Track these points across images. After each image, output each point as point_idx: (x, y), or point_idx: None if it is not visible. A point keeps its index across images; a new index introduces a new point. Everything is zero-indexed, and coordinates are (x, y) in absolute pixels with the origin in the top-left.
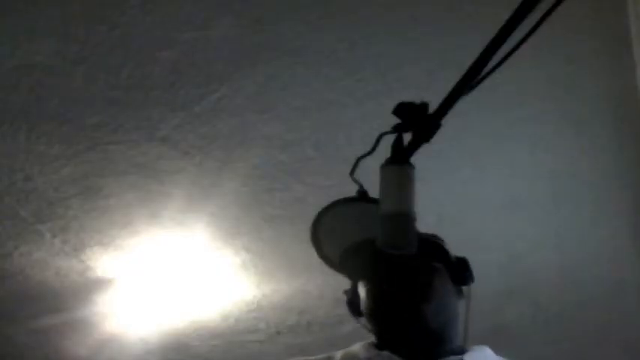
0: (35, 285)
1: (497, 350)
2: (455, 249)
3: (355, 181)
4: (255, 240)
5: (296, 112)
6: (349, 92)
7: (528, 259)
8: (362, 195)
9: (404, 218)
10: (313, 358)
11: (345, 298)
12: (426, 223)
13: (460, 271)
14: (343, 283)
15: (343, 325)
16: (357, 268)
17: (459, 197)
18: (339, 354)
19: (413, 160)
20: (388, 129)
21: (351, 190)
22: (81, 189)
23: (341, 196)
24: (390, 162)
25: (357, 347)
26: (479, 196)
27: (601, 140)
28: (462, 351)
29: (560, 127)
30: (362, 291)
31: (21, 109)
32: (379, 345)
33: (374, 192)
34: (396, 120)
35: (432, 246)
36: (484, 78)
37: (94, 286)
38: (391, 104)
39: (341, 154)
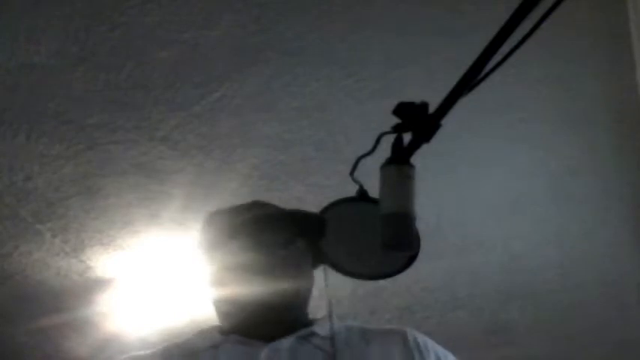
0: (35, 285)
1: (497, 350)
2: (455, 249)
3: (355, 181)
4: None
5: (296, 112)
6: (349, 92)
7: (528, 259)
8: (362, 195)
9: (404, 218)
10: (151, 351)
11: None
12: (426, 223)
13: (313, 226)
14: (344, 282)
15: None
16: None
17: (459, 197)
18: (179, 342)
19: (413, 160)
20: (388, 129)
21: (351, 190)
22: (81, 189)
23: (341, 196)
24: (390, 162)
25: (195, 337)
26: (479, 196)
27: (601, 140)
28: (310, 322)
29: (560, 127)
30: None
31: (21, 109)
32: (224, 329)
33: (374, 192)
34: (396, 120)
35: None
36: (484, 78)
37: (94, 286)
38: (391, 104)
39: (341, 154)
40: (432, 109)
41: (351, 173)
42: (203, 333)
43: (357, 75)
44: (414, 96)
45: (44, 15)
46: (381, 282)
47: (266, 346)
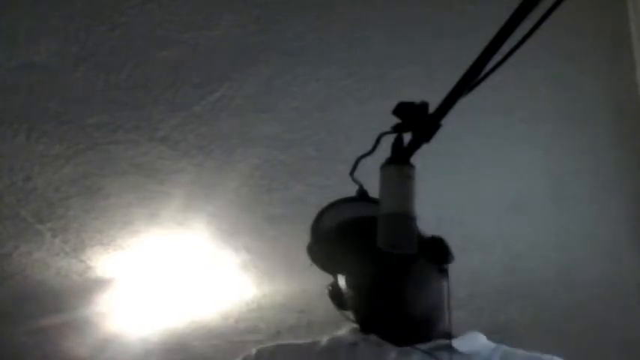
0: (35, 285)
1: None
2: (455, 249)
3: (355, 181)
4: (255, 240)
5: (296, 112)
6: (349, 92)
7: (528, 259)
8: (362, 195)
9: (404, 218)
10: (302, 341)
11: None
12: (426, 223)
13: (438, 250)
14: None
15: (343, 324)
16: (334, 260)
17: (459, 197)
18: (325, 338)
19: (413, 160)
20: (388, 129)
21: (351, 190)
22: (81, 189)
23: (341, 196)
24: (390, 162)
25: (343, 332)
26: (479, 196)
27: (601, 140)
28: (449, 335)
29: (560, 127)
30: (342, 282)
31: (21, 109)
32: (365, 330)
33: (374, 192)
34: (396, 120)
35: None
36: (484, 78)
37: (94, 286)
38: (391, 104)
39: (341, 154)
40: (432, 109)
41: (351, 173)
42: (347, 332)
43: (357, 75)
44: (414, 96)
45: (44, 15)
46: None
47: (397, 349)
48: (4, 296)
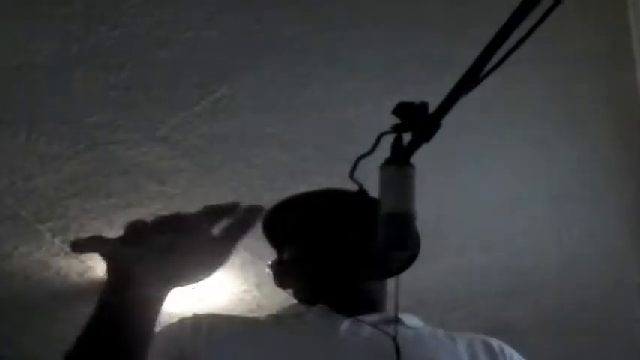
0: (35, 285)
1: None
2: (455, 249)
3: (355, 181)
4: (256, 240)
5: (296, 112)
6: (349, 92)
7: (528, 259)
8: (362, 195)
9: (404, 218)
10: (241, 315)
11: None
12: (426, 223)
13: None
14: None
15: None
16: (287, 232)
17: (459, 197)
18: (263, 316)
19: (413, 160)
20: (388, 129)
21: None
22: (81, 189)
23: None
24: (390, 162)
25: (281, 310)
26: (479, 196)
27: (601, 140)
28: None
29: (560, 127)
30: (289, 255)
31: (21, 109)
32: (309, 301)
33: (374, 192)
34: (396, 120)
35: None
36: (484, 78)
37: (94, 286)
38: (391, 104)
39: (341, 154)
40: (432, 109)
41: (351, 173)
42: (291, 305)
43: (357, 75)
44: (414, 96)
45: (44, 15)
46: None
47: (348, 319)
48: (4, 296)
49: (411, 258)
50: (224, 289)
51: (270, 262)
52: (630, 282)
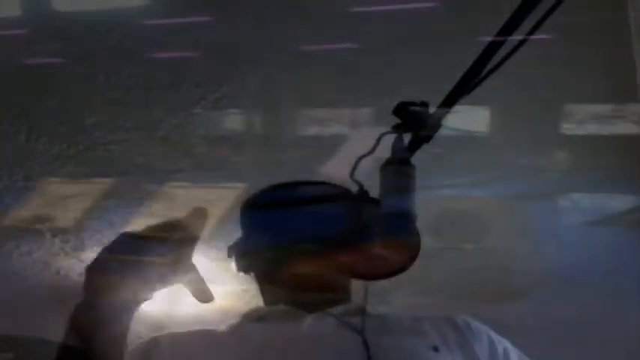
0: (35, 285)
1: None
2: (455, 249)
3: (355, 181)
4: None
5: (296, 112)
6: (349, 92)
7: (528, 259)
8: (362, 195)
9: (404, 218)
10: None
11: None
12: (426, 222)
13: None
14: None
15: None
16: (256, 216)
17: (459, 197)
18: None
19: (413, 160)
20: (388, 129)
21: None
22: (81, 189)
23: None
24: (390, 162)
25: (244, 314)
26: (478, 196)
27: (601, 140)
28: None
29: (560, 127)
30: (252, 242)
31: (21, 109)
32: (271, 302)
33: (374, 192)
34: (396, 120)
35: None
36: (484, 78)
37: None
38: (391, 104)
39: (341, 153)
40: (431, 109)
41: (351, 173)
42: (251, 310)
43: (357, 75)
44: (414, 96)
45: (44, 15)
46: (381, 282)
47: (309, 315)
48: (4, 296)
49: (411, 258)
50: (224, 289)
51: (233, 244)
52: (630, 282)
